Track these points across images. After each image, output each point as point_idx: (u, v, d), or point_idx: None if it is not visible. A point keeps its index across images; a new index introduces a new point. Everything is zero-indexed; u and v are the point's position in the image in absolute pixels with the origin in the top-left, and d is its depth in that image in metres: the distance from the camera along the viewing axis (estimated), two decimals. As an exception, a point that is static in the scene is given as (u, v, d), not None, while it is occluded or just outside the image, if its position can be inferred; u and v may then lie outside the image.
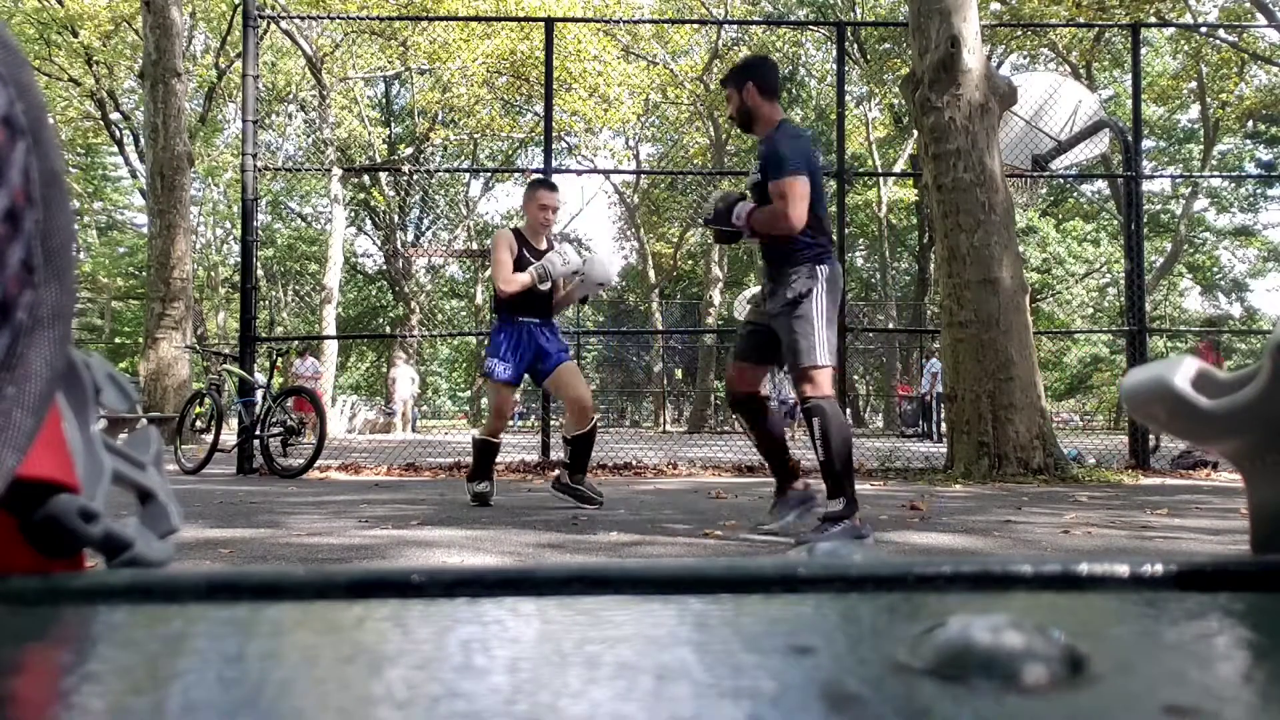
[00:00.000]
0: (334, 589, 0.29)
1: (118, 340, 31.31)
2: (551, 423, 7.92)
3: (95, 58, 21.26)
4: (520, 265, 4.62)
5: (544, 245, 4.74)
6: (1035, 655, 0.20)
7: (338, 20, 14.07)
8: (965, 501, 5.13)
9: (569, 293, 4.79)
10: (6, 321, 0.24)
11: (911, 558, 0.31)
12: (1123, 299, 8.97)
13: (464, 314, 32.58)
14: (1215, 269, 35.90)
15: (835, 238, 3.74)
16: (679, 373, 34.32)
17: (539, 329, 4.72)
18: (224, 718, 0.18)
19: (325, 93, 19.44)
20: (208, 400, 7.94)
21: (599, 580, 0.29)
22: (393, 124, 31.85)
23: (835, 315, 3.55)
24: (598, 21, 17.48)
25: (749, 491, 5.66)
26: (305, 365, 16.10)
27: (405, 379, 22.19)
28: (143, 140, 18.08)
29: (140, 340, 16.97)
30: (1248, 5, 19.04)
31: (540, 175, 6.95)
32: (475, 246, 26.17)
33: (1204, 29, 20.31)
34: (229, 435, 7.77)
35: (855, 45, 24.89)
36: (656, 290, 31.12)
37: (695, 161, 28.65)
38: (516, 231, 4.77)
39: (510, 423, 5.23)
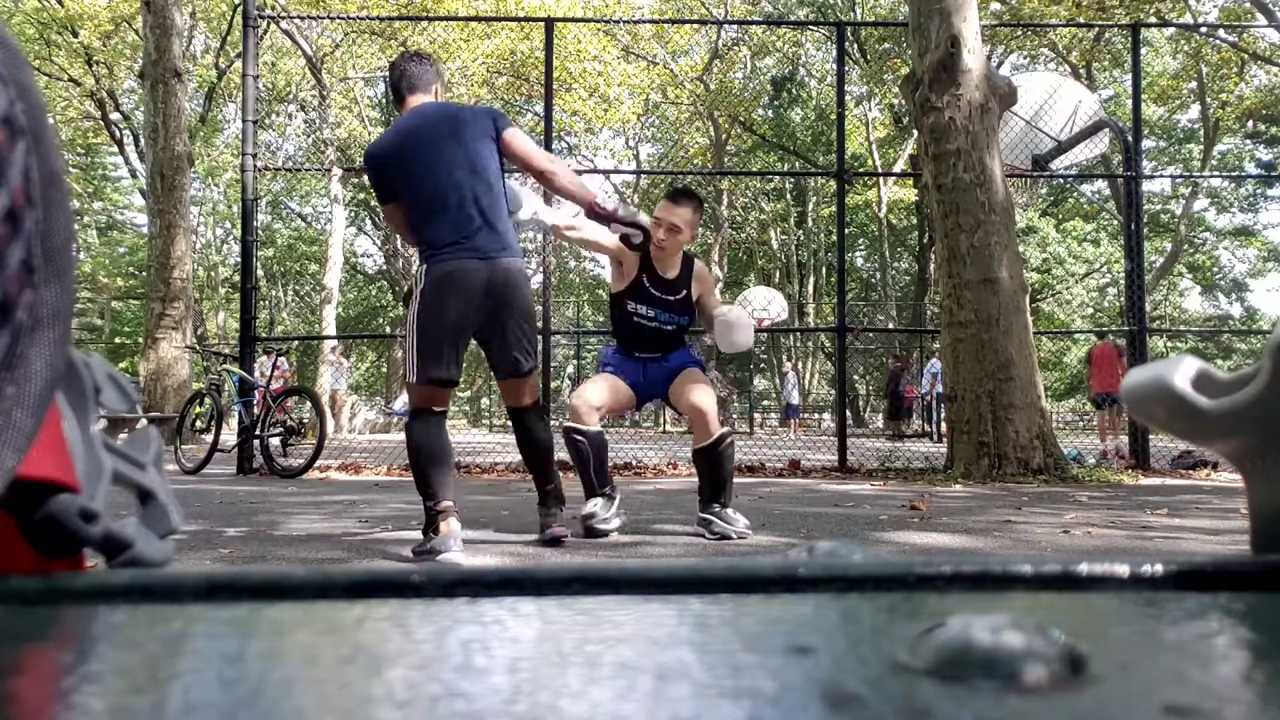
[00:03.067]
0: (334, 589, 0.29)
1: (118, 340, 31.30)
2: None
3: (95, 58, 21.24)
4: (632, 295, 3.88)
5: (672, 273, 3.85)
6: (1035, 655, 0.20)
7: (338, 20, 14.06)
8: (965, 501, 5.13)
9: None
10: (6, 321, 0.24)
11: (911, 558, 0.31)
12: (1123, 299, 8.97)
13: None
14: (1215, 269, 35.92)
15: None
16: (679, 373, 34.25)
17: None
18: (224, 718, 0.18)
19: (325, 93, 19.43)
20: (208, 400, 7.94)
21: (599, 580, 0.29)
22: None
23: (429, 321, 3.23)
24: (598, 21, 17.46)
25: (749, 491, 5.66)
26: (277, 364, 15.85)
27: (329, 366, 19.52)
28: (143, 140, 18.05)
29: (140, 340, 16.96)
30: (1248, 5, 19.03)
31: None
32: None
33: (1204, 29, 20.31)
34: (229, 435, 7.77)
35: (855, 45, 24.89)
36: (656, 290, 31.05)
37: (695, 161, 28.64)
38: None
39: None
